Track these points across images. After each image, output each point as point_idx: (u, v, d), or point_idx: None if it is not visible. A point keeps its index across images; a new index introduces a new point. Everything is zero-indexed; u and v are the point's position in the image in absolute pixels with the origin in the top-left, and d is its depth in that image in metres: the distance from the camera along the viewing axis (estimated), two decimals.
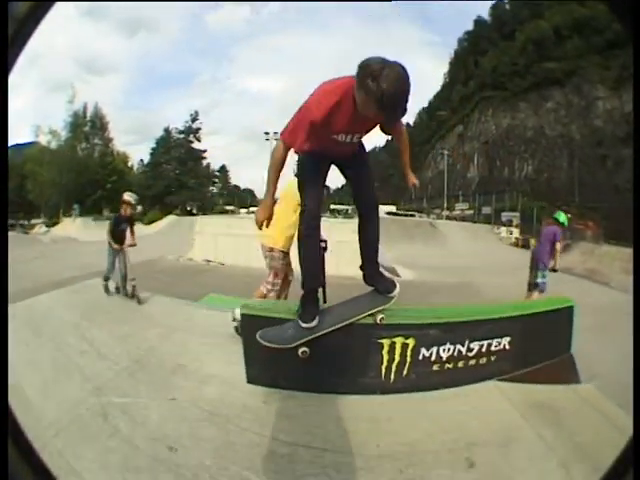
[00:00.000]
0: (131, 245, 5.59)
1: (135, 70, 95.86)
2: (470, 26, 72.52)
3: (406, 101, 1.70)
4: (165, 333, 3.77)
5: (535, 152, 55.14)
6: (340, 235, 6.89)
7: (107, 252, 5.54)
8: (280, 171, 2.13)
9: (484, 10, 70.42)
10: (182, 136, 47.34)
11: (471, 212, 46.84)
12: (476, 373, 2.68)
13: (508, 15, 64.68)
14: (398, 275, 9.35)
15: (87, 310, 4.64)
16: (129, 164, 50.58)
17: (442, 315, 2.67)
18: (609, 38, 40.78)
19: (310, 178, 2.28)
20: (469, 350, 2.63)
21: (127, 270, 5.43)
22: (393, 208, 41.34)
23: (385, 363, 2.50)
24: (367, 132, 2.15)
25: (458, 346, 2.59)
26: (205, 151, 48.79)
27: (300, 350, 2.34)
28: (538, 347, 2.89)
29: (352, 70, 1.77)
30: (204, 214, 34.24)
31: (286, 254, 3.49)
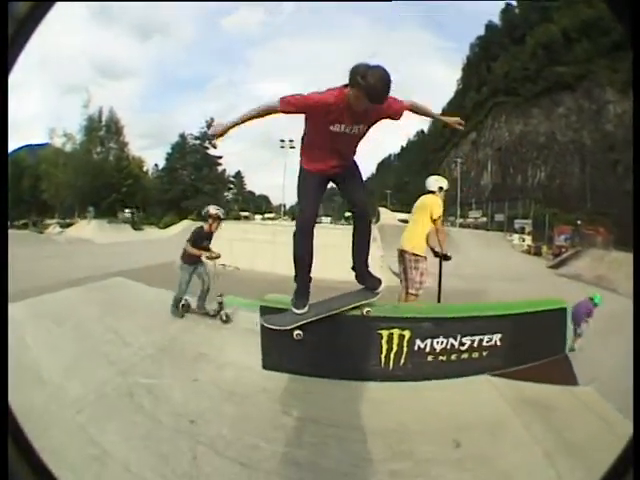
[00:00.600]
0: (214, 257, 4.93)
1: (150, 74, 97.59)
2: (482, 31, 72.95)
3: (388, 91, 2.09)
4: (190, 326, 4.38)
5: (547, 158, 54.67)
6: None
7: (180, 271, 4.84)
8: (255, 118, 2.31)
9: (495, 15, 70.54)
10: (197, 142, 48.16)
11: (484, 220, 46.55)
12: (469, 366, 2.89)
13: (518, 19, 64.51)
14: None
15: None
16: (144, 169, 51.27)
17: (435, 311, 2.91)
18: (615, 39, 40.31)
19: (308, 191, 2.56)
20: (461, 344, 2.86)
21: (208, 285, 4.85)
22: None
23: (384, 352, 2.79)
24: (357, 125, 2.32)
25: (451, 340, 2.83)
26: (221, 157, 49.75)
27: (295, 333, 2.69)
28: (530, 345, 3.03)
29: None
30: None
31: (425, 257, 3.95)
